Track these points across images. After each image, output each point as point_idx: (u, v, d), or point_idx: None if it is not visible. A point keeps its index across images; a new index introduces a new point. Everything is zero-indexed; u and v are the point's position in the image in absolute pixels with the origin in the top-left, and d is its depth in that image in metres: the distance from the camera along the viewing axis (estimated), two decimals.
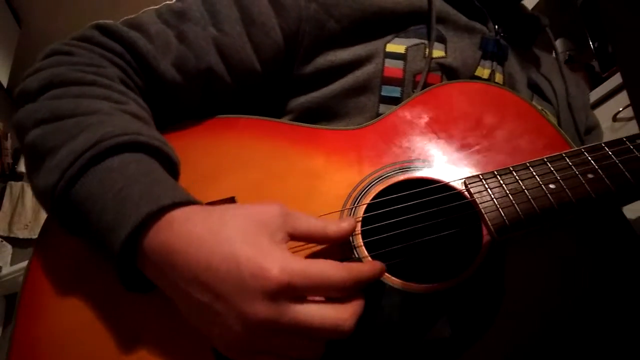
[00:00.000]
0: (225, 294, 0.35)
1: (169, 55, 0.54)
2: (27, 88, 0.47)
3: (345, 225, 0.42)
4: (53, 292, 0.45)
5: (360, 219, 0.47)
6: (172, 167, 0.47)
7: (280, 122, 0.56)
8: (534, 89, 0.66)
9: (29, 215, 3.00)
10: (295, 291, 0.35)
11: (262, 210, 0.39)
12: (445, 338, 0.42)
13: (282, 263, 0.35)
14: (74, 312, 0.44)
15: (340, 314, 0.36)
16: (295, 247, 0.44)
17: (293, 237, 0.40)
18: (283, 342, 0.36)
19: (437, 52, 0.60)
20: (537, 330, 0.41)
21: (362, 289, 0.39)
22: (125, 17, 0.56)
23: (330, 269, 0.36)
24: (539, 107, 0.55)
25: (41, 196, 0.43)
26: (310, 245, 0.44)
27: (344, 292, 0.37)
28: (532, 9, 1.70)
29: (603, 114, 1.30)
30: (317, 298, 0.37)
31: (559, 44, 1.71)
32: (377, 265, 0.41)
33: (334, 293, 0.37)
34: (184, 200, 0.40)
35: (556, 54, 0.70)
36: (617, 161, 0.46)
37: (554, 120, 0.65)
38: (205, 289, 0.36)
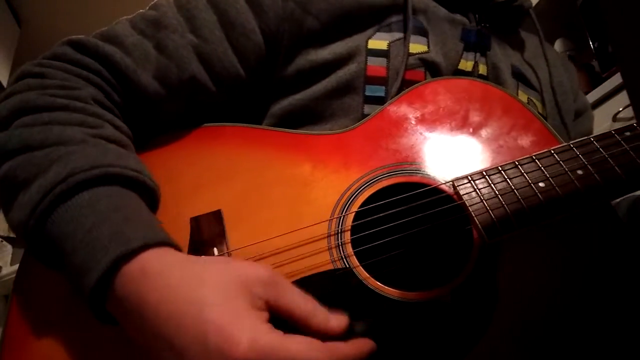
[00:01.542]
0: (188, 359, 0.33)
1: (149, 67, 0.52)
2: None
3: (334, 324, 0.37)
4: (35, 327, 0.44)
5: (349, 227, 0.46)
6: (150, 194, 0.45)
7: (265, 129, 0.55)
8: (519, 77, 0.65)
9: None
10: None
11: (248, 271, 0.37)
12: (443, 345, 0.41)
13: (252, 337, 0.32)
14: (57, 344, 0.43)
15: None
16: (277, 263, 0.43)
17: (273, 309, 0.36)
18: None
19: (420, 47, 0.59)
20: (533, 331, 0.41)
21: (354, 302, 0.38)
22: (99, 30, 0.54)
23: (307, 351, 0.33)
24: (525, 101, 0.54)
25: (16, 230, 0.42)
26: (294, 263, 0.43)
27: None
28: (532, 8, 1.69)
29: (603, 114, 1.29)
30: None
31: (559, 43, 1.71)
32: (365, 346, 0.37)
33: None
34: (157, 240, 0.38)
35: (540, 36, 0.68)
36: (606, 155, 0.45)
37: (540, 110, 0.64)
38: (170, 348, 0.34)
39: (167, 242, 0.39)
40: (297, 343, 0.33)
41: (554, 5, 1.66)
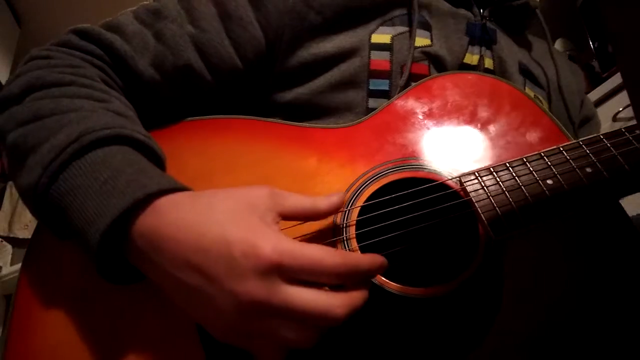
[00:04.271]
0: (216, 275, 0.34)
1: (146, 54, 0.54)
2: (8, 94, 0.47)
3: (335, 199, 0.42)
4: (42, 307, 0.44)
5: (354, 222, 0.46)
6: (157, 162, 0.46)
7: (271, 122, 0.55)
8: (526, 74, 0.65)
9: (29, 215, 2.99)
10: (287, 272, 0.34)
11: (250, 192, 0.39)
12: (448, 342, 0.41)
13: (274, 242, 0.35)
14: (64, 325, 0.43)
15: (332, 301, 0.35)
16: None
17: (283, 216, 0.40)
18: (275, 324, 0.35)
19: (423, 41, 0.59)
20: (539, 328, 0.41)
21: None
22: (104, 20, 0.56)
23: (324, 254, 0.36)
24: (532, 95, 0.54)
25: (24, 196, 0.42)
26: (302, 227, 0.44)
27: (338, 279, 0.37)
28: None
29: (603, 114, 1.30)
30: (312, 282, 0.36)
31: (559, 43, 1.71)
32: (377, 259, 0.39)
33: (326, 279, 0.36)
34: (171, 187, 0.40)
35: (547, 38, 0.67)
36: (617, 154, 0.44)
37: (547, 108, 0.63)
38: (195, 272, 0.35)
39: (182, 188, 0.41)
40: (315, 247, 0.36)
41: (554, 5, 1.67)
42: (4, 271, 2.24)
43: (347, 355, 0.41)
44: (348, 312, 0.36)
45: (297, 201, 0.41)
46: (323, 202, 0.41)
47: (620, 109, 1.24)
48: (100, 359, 0.42)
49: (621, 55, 0.28)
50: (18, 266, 0.44)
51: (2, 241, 2.25)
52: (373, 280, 0.43)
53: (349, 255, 0.37)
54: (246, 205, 0.38)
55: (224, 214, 0.37)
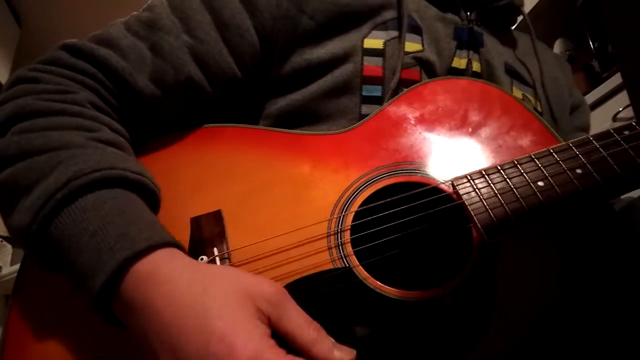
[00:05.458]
0: None
1: (145, 70, 0.52)
2: None
3: (337, 356, 0.35)
4: (36, 328, 0.44)
5: (349, 227, 0.46)
6: (151, 196, 0.45)
7: (264, 130, 0.55)
8: (512, 74, 0.65)
9: None
10: None
11: (255, 285, 0.37)
12: (441, 345, 0.41)
13: (255, 350, 0.32)
14: (58, 345, 0.43)
15: None
16: (276, 262, 0.44)
17: (275, 328, 0.36)
18: None
19: (415, 46, 0.59)
20: (533, 329, 0.41)
21: (353, 302, 0.38)
22: (93, 33, 0.54)
23: None
24: (520, 95, 0.54)
25: (16, 236, 0.42)
26: (293, 262, 0.44)
27: None
28: (533, 8, 1.69)
29: (603, 114, 1.30)
30: None
31: (559, 43, 1.71)
32: None
33: None
34: (161, 241, 0.39)
35: (532, 35, 0.68)
36: (606, 155, 0.45)
37: (534, 106, 0.64)
38: (171, 355, 0.34)
39: (172, 243, 0.40)
40: None
41: (554, 5, 1.66)
42: (4, 271, 2.24)
43: None
44: None
45: (299, 326, 0.36)
46: (323, 347, 0.35)
47: (620, 109, 1.23)
48: None
49: (621, 55, 0.28)
50: (18, 266, 0.44)
51: (2, 241, 2.26)
52: (368, 284, 0.43)
53: None
54: (244, 297, 0.35)
55: (217, 300, 0.35)
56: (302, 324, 0.36)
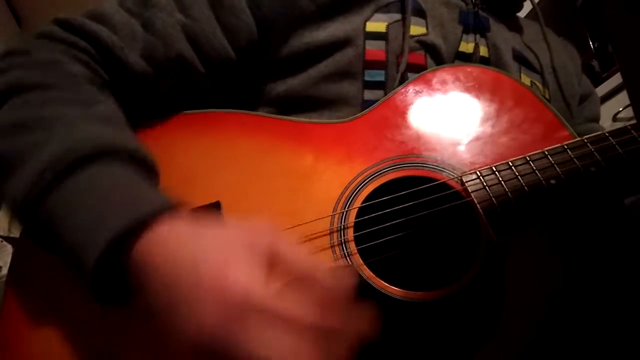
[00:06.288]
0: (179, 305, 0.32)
1: (136, 45, 0.51)
2: None
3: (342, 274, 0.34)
4: (26, 321, 0.43)
5: (352, 224, 0.44)
6: (149, 170, 0.44)
7: (264, 117, 0.53)
8: (520, 60, 0.63)
9: None
10: (256, 313, 0.31)
11: (248, 225, 0.36)
12: (449, 346, 0.40)
13: (248, 282, 0.31)
14: (48, 339, 0.42)
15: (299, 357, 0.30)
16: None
17: (274, 261, 0.34)
18: None
19: (418, 29, 0.57)
20: (541, 329, 0.40)
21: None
22: (87, 9, 0.53)
23: (302, 309, 0.31)
24: (528, 84, 0.52)
25: (10, 210, 0.41)
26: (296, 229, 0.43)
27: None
28: (533, 8, 1.69)
29: (603, 114, 1.29)
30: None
31: None
32: (364, 324, 0.33)
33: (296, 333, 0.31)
34: (166, 206, 0.38)
35: (540, 20, 0.67)
36: (622, 152, 0.43)
37: (542, 93, 0.63)
38: (172, 306, 0.33)
39: (173, 204, 0.39)
40: (296, 301, 0.31)
41: (554, 5, 1.66)
42: (4, 271, 2.24)
43: None
44: None
45: (296, 254, 0.35)
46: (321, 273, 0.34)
47: (620, 109, 1.24)
48: None
49: (621, 55, 0.28)
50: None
51: (2, 241, 2.25)
52: (373, 284, 0.42)
53: (328, 319, 0.32)
54: (238, 237, 0.35)
55: (208, 246, 0.35)
56: (299, 252, 0.35)
